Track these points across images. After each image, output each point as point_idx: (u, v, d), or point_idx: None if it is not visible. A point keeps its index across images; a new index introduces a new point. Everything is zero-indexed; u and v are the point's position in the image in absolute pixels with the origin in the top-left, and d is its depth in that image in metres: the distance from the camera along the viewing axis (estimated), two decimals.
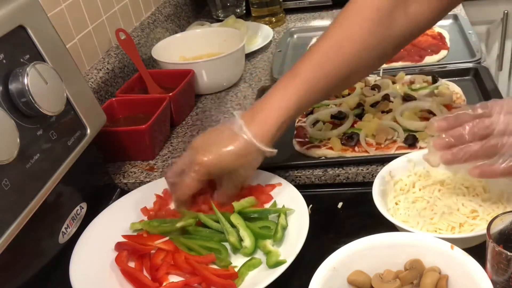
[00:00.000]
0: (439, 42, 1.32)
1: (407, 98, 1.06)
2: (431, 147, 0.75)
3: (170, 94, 1.13)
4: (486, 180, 0.82)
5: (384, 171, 0.85)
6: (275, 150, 0.86)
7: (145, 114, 1.09)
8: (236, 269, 0.78)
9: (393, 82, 1.14)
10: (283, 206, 0.86)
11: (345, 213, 0.89)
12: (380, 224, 0.76)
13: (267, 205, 0.89)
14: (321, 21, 1.64)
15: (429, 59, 1.26)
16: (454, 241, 0.66)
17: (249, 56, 1.45)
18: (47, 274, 0.81)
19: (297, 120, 1.09)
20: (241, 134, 0.83)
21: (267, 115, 0.84)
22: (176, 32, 1.56)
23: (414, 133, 0.97)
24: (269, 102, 0.86)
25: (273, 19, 1.66)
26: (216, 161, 0.83)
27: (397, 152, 0.94)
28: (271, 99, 0.86)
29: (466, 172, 0.74)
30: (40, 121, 0.78)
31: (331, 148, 0.98)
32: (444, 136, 0.74)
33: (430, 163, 0.77)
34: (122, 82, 1.25)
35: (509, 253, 0.59)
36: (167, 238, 0.83)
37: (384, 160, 0.89)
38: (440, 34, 1.36)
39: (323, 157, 0.98)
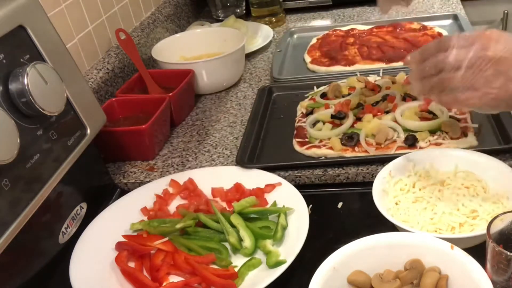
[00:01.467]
0: None
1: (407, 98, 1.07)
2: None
3: (170, 94, 1.13)
4: (486, 180, 0.82)
5: (384, 171, 0.85)
6: None
7: (145, 114, 1.09)
8: (236, 269, 0.78)
9: (393, 82, 1.13)
10: (283, 206, 0.86)
11: (345, 213, 0.89)
12: (380, 224, 0.76)
13: (267, 205, 0.89)
14: (321, 21, 1.65)
15: None
16: (454, 241, 0.66)
17: (249, 56, 1.45)
18: (47, 274, 0.81)
19: (297, 120, 1.10)
20: None
21: None
22: (176, 32, 1.56)
23: (414, 133, 0.97)
24: None
25: (273, 19, 1.66)
26: None
27: (397, 152, 0.94)
28: None
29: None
30: (40, 121, 0.78)
31: (331, 148, 0.98)
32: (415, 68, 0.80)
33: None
34: (122, 82, 1.25)
35: (509, 253, 0.59)
36: (166, 238, 0.83)
37: (384, 160, 0.89)
38: (440, 34, 1.36)
39: (323, 157, 0.98)
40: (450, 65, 0.74)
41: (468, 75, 0.73)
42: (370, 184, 0.83)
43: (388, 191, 0.83)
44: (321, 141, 1.01)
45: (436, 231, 0.76)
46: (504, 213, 0.64)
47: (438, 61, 0.76)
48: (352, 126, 1.02)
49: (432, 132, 0.97)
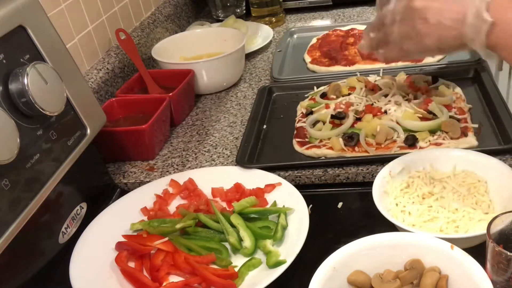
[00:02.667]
0: None
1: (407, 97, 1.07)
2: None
3: (170, 94, 1.13)
4: (486, 180, 0.82)
5: (384, 171, 0.85)
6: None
7: (145, 114, 1.09)
8: (236, 269, 0.78)
9: (393, 82, 1.13)
10: (283, 206, 0.86)
11: (345, 213, 0.89)
12: (380, 224, 0.76)
13: (267, 205, 0.89)
14: (321, 21, 1.64)
15: (429, 59, 1.26)
16: (454, 241, 0.66)
17: (249, 56, 1.45)
18: (47, 274, 0.81)
19: (297, 120, 1.10)
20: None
21: None
22: (176, 32, 1.56)
23: (414, 133, 0.97)
24: None
25: (273, 19, 1.66)
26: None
27: (397, 152, 0.94)
28: None
29: None
30: (40, 121, 0.78)
31: (331, 148, 0.98)
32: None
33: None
34: (122, 82, 1.25)
35: (509, 253, 0.59)
36: (166, 238, 0.83)
37: (384, 160, 0.89)
38: None
39: (323, 157, 0.98)
40: (388, 18, 0.83)
41: (402, 26, 0.82)
42: (370, 184, 0.83)
43: (388, 191, 0.83)
44: (321, 141, 1.01)
45: (436, 231, 0.76)
46: (504, 213, 0.64)
47: (378, 18, 0.85)
48: (352, 126, 1.02)
49: (432, 132, 0.97)
